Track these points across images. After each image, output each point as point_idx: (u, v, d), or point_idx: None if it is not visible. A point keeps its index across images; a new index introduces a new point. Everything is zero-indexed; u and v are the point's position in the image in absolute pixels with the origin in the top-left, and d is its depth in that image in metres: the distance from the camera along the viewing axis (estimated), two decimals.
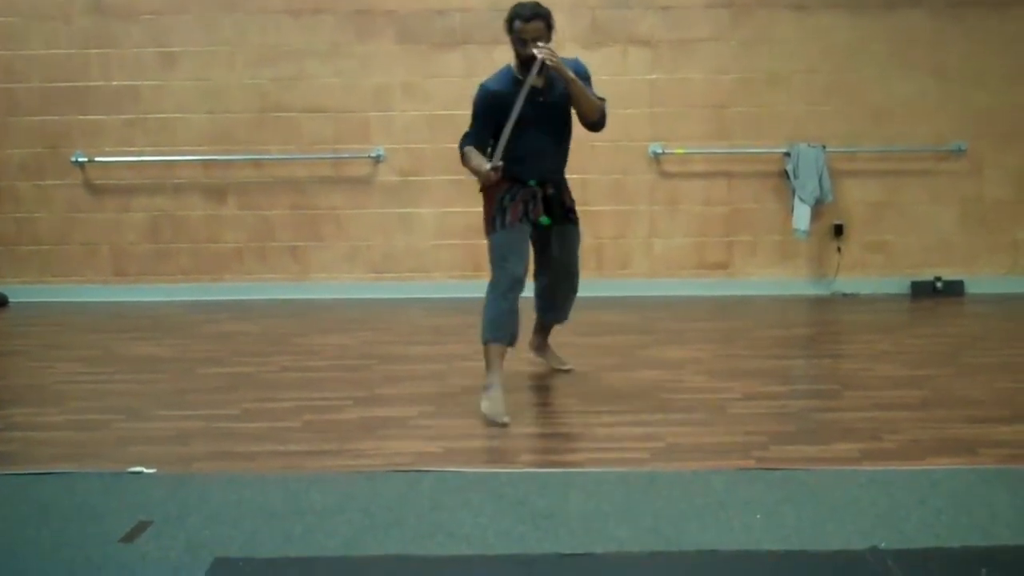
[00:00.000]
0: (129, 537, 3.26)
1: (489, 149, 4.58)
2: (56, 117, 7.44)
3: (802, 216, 7.22)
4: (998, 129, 7.36)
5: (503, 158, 4.45)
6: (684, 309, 7.08)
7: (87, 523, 3.39)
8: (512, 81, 4.56)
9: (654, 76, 7.36)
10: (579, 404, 4.79)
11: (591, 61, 7.09)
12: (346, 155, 7.47)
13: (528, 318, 5.10)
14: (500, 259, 4.62)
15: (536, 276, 4.97)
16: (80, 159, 7.45)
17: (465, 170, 4.71)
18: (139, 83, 7.41)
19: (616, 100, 7.24)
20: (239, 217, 7.55)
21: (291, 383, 5.24)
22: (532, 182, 4.66)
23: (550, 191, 4.71)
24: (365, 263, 7.60)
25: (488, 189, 4.64)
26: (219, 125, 7.45)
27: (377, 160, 7.46)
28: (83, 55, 7.39)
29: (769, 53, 7.32)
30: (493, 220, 4.65)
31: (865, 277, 7.53)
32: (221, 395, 5.02)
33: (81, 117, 7.44)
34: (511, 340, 4.67)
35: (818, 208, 7.32)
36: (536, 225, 4.70)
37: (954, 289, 7.45)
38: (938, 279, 7.46)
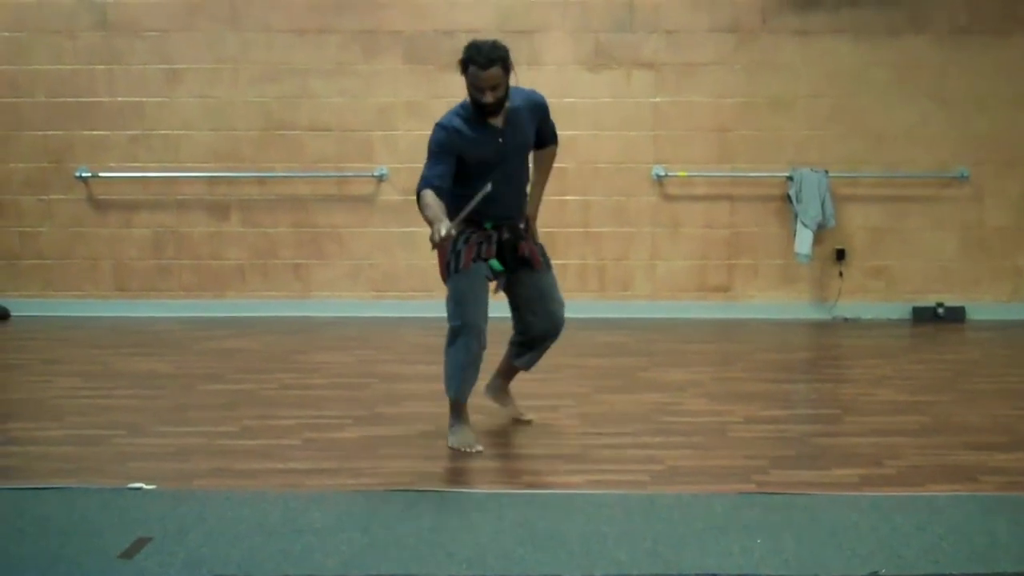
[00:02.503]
0: (128, 553, 3.26)
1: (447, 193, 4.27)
2: (60, 132, 7.47)
3: (804, 240, 7.23)
4: (1000, 156, 7.38)
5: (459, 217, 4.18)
6: (685, 331, 7.08)
7: (86, 539, 3.38)
8: (469, 123, 4.31)
9: (657, 99, 7.39)
10: (580, 425, 4.79)
11: (595, 84, 7.32)
12: (349, 174, 7.49)
13: (493, 358, 4.90)
14: (458, 307, 4.43)
15: (513, 317, 4.71)
16: (84, 174, 7.46)
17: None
18: (144, 99, 7.44)
19: (619, 123, 7.38)
20: (242, 234, 7.56)
21: (292, 401, 5.24)
22: (488, 225, 4.45)
23: (505, 235, 4.49)
24: (367, 281, 7.60)
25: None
26: (223, 142, 7.47)
27: (380, 179, 7.48)
28: (88, 71, 7.42)
29: (772, 78, 7.35)
30: (448, 264, 4.47)
31: (866, 302, 7.53)
32: (221, 412, 5.01)
33: (85, 132, 7.47)
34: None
35: (820, 232, 7.33)
36: (488, 266, 4.46)
37: (955, 315, 7.45)
38: (939, 305, 7.46)
